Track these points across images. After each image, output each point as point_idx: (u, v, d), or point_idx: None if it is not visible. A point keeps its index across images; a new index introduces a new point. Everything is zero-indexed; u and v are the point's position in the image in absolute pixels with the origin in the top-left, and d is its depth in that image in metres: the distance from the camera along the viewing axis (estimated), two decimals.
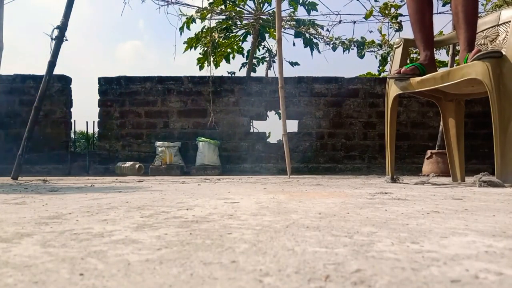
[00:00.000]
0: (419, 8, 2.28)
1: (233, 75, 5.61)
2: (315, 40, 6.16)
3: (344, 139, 5.06)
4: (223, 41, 6.04)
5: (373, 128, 5.06)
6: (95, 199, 1.23)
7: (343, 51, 6.15)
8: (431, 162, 4.10)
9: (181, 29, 5.88)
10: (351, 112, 5.07)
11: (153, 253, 0.49)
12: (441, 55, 6.22)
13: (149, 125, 5.06)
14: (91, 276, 0.39)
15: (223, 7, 5.88)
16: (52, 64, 3.11)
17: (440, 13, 5.30)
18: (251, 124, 5.24)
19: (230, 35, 6.19)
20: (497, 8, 4.77)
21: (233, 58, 6.39)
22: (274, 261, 0.45)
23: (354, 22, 6.02)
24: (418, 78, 2.23)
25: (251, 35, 6.28)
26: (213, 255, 0.48)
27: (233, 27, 6.15)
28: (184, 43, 6.03)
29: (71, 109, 5.13)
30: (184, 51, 6.02)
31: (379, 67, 6.54)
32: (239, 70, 6.70)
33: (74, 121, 5.18)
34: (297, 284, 0.36)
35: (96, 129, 5.15)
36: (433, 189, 1.78)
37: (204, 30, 5.94)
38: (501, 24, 2.25)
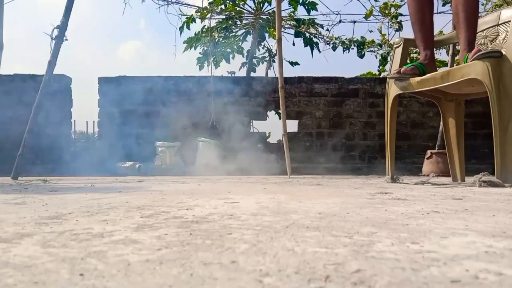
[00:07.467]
0: (419, 7, 2.28)
1: (233, 75, 5.60)
2: (315, 40, 6.16)
3: (344, 139, 5.06)
4: (223, 41, 6.04)
5: (373, 128, 5.06)
6: (95, 199, 1.23)
7: (343, 50, 6.15)
8: (431, 162, 4.10)
9: (181, 28, 5.88)
10: (351, 112, 5.07)
11: (153, 253, 0.49)
12: (441, 54, 6.23)
13: (149, 125, 5.06)
14: (91, 277, 0.39)
15: (223, 6, 5.88)
16: (52, 64, 3.11)
17: (440, 12, 5.31)
18: (251, 124, 5.24)
19: (230, 35, 6.18)
20: (497, 8, 4.77)
21: (233, 58, 6.38)
22: (274, 261, 0.45)
23: (354, 22, 6.02)
24: (418, 78, 2.23)
25: (251, 35, 6.27)
26: (213, 255, 0.48)
27: (233, 27, 6.14)
28: (184, 43, 6.03)
29: (71, 109, 5.13)
30: (184, 51, 6.02)
31: (379, 66, 6.54)
32: (239, 70, 6.68)
33: (74, 121, 5.19)
34: (297, 285, 0.36)
35: (96, 129, 5.15)
36: (433, 189, 1.78)
37: (204, 29, 5.94)
38: (501, 24, 2.25)
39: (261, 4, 6.06)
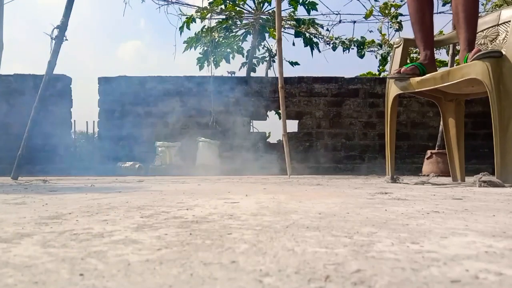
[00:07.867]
0: (419, 7, 2.28)
1: (233, 75, 5.60)
2: (315, 40, 6.16)
3: (344, 139, 5.06)
4: (223, 41, 6.04)
5: (373, 128, 5.06)
6: (95, 199, 1.23)
7: (343, 50, 6.15)
8: (431, 162, 4.10)
9: (181, 28, 5.88)
10: (351, 112, 5.07)
11: (153, 253, 0.49)
12: (441, 54, 6.23)
13: (149, 125, 5.06)
14: (91, 277, 0.39)
15: (223, 6, 5.88)
16: (52, 64, 3.11)
17: (440, 12, 5.31)
18: (251, 124, 5.23)
19: (230, 35, 6.18)
20: (497, 8, 4.77)
21: (233, 58, 6.39)
22: (274, 261, 0.45)
23: (354, 22, 6.03)
24: (418, 78, 2.23)
25: (251, 35, 6.27)
26: (213, 255, 0.48)
27: (233, 27, 6.14)
28: (184, 43, 6.03)
29: (71, 109, 5.13)
30: (184, 51, 6.02)
31: (379, 66, 6.54)
32: (239, 70, 6.68)
33: (74, 121, 5.19)
34: (297, 285, 0.36)
35: (96, 129, 5.15)
36: (433, 189, 1.78)
37: (204, 29, 5.94)
38: (501, 24, 2.25)
39: (261, 4, 6.06)
